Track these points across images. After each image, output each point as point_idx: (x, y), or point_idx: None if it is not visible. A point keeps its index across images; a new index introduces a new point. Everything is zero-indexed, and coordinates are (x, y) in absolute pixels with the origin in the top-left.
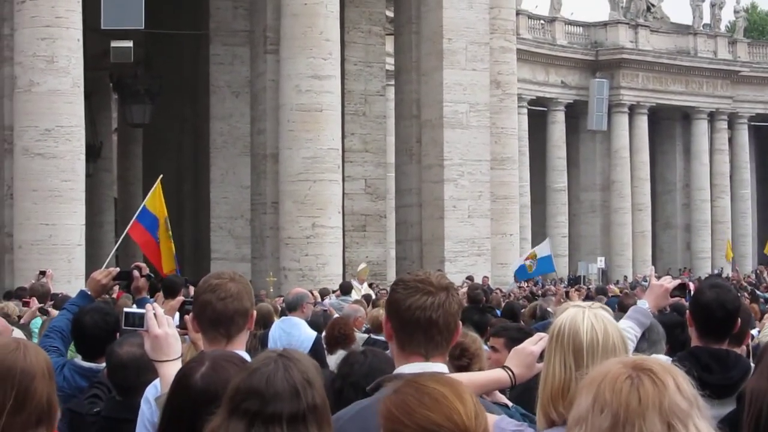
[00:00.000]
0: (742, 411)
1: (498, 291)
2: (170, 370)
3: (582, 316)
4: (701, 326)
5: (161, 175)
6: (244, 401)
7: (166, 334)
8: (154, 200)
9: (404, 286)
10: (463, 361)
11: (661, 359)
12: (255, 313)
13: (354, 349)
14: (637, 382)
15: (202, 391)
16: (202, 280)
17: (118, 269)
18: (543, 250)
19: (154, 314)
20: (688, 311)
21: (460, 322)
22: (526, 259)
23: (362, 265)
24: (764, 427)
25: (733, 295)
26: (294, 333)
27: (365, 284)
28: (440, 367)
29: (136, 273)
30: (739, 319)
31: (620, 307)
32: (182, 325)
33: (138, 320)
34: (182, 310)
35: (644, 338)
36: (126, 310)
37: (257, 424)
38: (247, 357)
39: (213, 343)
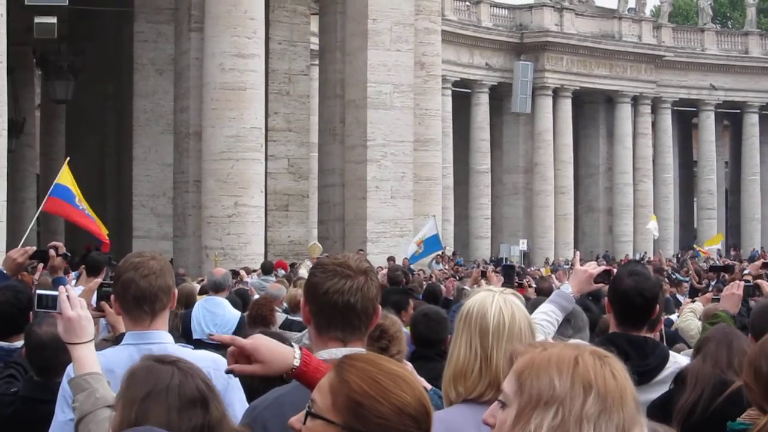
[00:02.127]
0: (676, 393)
1: (420, 273)
2: (83, 352)
3: (491, 300)
4: (619, 313)
5: (68, 158)
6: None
7: (78, 316)
8: (66, 178)
9: (322, 270)
10: (382, 342)
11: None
12: (176, 291)
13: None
14: (613, 369)
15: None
16: (122, 261)
17: (34, 248)
18: (429, 229)
19: (67, 296)
20: (606, 298)
21: (380, 306)
22: (418, 243)
23: (312, 243)
24: (702, 409)
25: (652, 283)
26: (218, 312)
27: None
28: (359, 351)
29: (52, 252)
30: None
31: (537, 291)
32: (98, 308)
33: (51, 302)
34: (100, 292)
35: (569, 324)
36: (39, 291)
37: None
38: (170, 337)
39: (137, 323)
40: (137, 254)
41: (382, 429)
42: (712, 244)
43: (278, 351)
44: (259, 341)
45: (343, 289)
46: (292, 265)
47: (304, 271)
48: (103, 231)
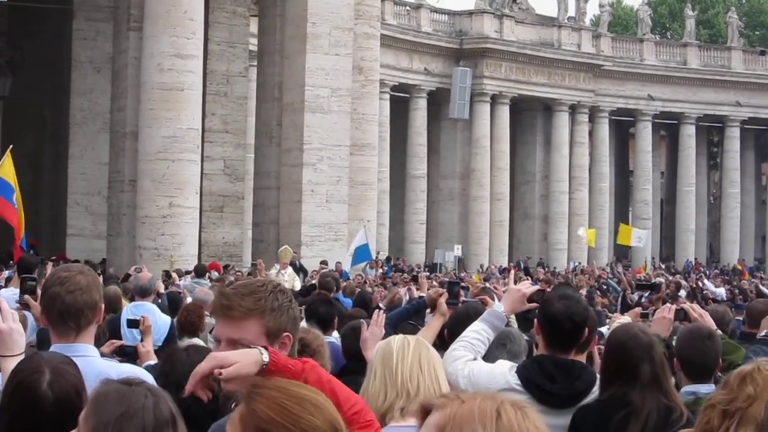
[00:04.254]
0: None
1: (359, 277)
2: (13, 365)
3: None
4: (548, 336)
5: (11, 146)
6: None
7: (10, 329)
8: (6, 169)
9: (291, 298)
10: (304, 356)
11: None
12: (103, 306)
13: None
14: (529, 416)
15: (55, 401)
16: (50, 273)
17: None
18: (359, 239)
19: (0, 308)
20: (536, 320)
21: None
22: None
23: (282, 248)
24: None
25: (582, 307)
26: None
27: (289, 269)
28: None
29: None
30: (587, 329)
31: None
32: (22, 302)
33: None
34: (24, 286)
35: (504, 348)
36: None
37: None
38: (95, 351)
39: (62, 337)
40: (65, 268)
41: None
42: (625, 241)
43: (243, 352)
44: (216, 356)
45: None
46: (226, 267)
47: (273, 273)
48: (19, 236)
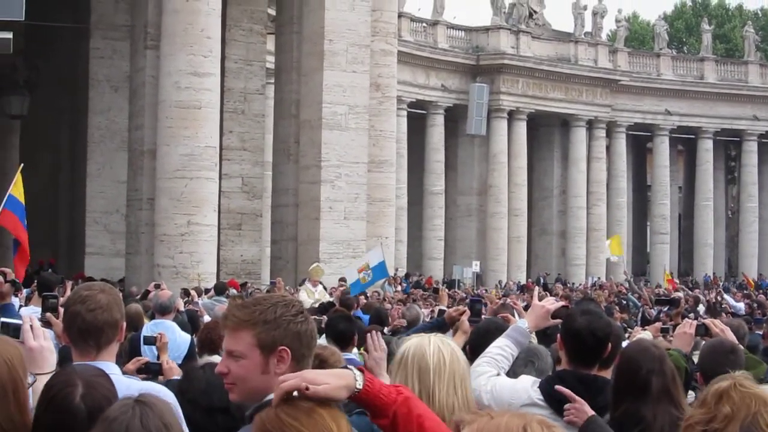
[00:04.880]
0: None
1: (375, 294)
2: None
3: (428, 341)
4: (571, 351)
5: (21, 165)
6: None
7: (41, 347)
8: (18, 188)
9: (304, 315)
10: None
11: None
12: (125, 324)
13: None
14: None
15: (88, 413)
16: (72, 291)
17: None
18: (375, 257)
19: (31, 326)
20: (559, 335)
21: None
22: (360, 270)
23: (314, 265)
24: None
25: (605, 322)
26: (169, 337)
27: (320, 286)
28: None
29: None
30: (610, 344)
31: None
32: (43, 320)
33: (13, 331)
34: (46, 304)
35: (532, 366)
36: (2, 320)
37: None
38: (116, 369)
39: (83, 355)
40: (87, 286)
41: None
42: (614, 253)
43: (337, 373)
44: (306, 375)
45: (315, 331)
46: (244, 285)
47: (304, 295)
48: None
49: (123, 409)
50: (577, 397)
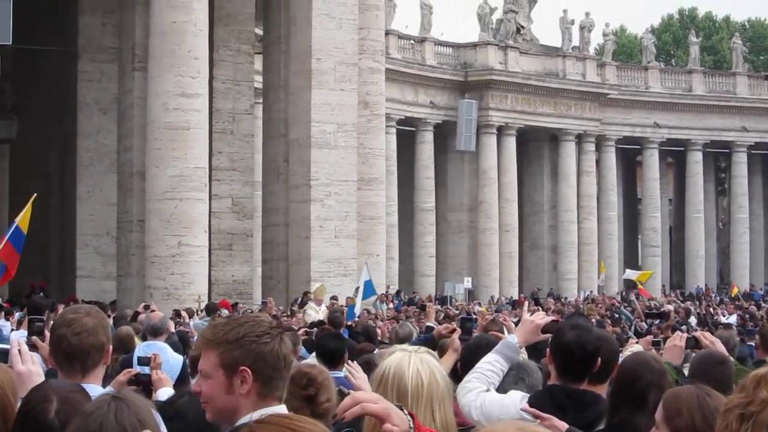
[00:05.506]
0: None
1: (365, 313)
2: None
3: (408, 361)
4: (560, 365)
5: (35, 194)
6: None
7: (29, 371)
8: (26, 219)
9: (270, 336)
10: (310, 390)
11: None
12: (111, 348)
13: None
14: None
15: (62, 428)
16: (59, 314)
17: None
18: (362, 276)
19: (19, 350)
20: (548, 349)
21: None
22: (348, 303)
23: (317, 285)
24: None
25: (594, 336)
26: (162, 358)
27: (323, 306)
28: (283, 408)
29: None
30: (600, 359)
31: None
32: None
33: (2, 356)
34: (31, 327)
35: (523, 383)
36: None
37: None
38: (101, 390)
39: (69, 378)
40: (73, 310)
41: None
42: (642, 279)
43: (399, 414)
44: (387, 406)
45: (287, 351)
46: (235, 305)
47: (312, 313)
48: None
49: (99, 405)
50: (545, 415)
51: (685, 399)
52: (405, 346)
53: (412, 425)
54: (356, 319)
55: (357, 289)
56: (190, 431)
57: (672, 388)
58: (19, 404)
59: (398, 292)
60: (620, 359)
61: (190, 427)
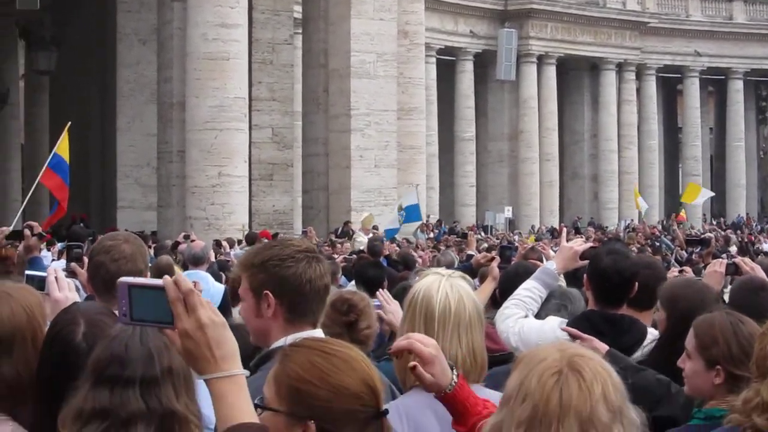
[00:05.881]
0: None
1: (404, 242)
2: None
3: (437, 285)
4: (597, 291)
5: (69, 123)
6: (106, 369)
7: (66, 298)
8: (64, 146)
9: (294, 260)
10: (350, 316)
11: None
12: (149, 275)
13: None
14: (563, 381)
15: (90, 351)
16: (97, 241)
17: (10, 228)
18: (410, 199)
19: (55, 278)
20: (585, 275)
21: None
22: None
23: (365, 214)
24: None
25: (631, 262)
26: (203, 287)
27: (370, 235)
28: (319, 332)
29: (27, 232)
30: (636, 284)
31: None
32: (68, 269)
33: (39, 283)
34: (70, 254)
35: (565, 310)
36: (27, 272)
37: (117, 388)
38: None
39: (106, 305)
40: (111, 236)
41: (326, 411)
42: (690, 199)
43: (445, 368)
44: (438, 354)
45: (321, 274)
46: (275, 235)
47: (363, 239)
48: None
49: (124, 328)
50: (586, 336)
51: (719, 326)
52: (439, 269)
53: (454, 382)
54: (395, 237)
55: (400, 206)
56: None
57: (702, 316)
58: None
59: (439, 222)
60: None
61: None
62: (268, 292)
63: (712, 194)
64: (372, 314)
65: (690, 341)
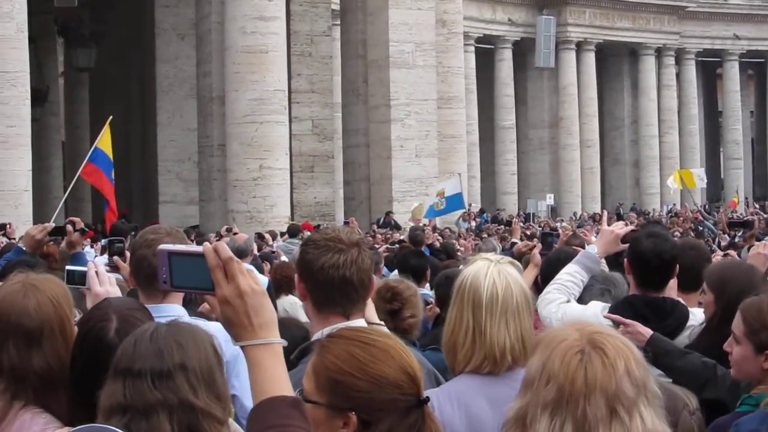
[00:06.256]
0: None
1: (447, 231)
2: None
3: (485, 272)
4: (638, 275)
5: (110, 117)
6: (119, 362)
7: (107, 292)
8: (105, 141)
9: (315, 246)
10: (394, 304)
11: (597, 307)
12: None
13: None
14: (587, 359)
15: None
16: (138, 235)
17: (53, 224)
18: (452, 187)
19: (96, 272)
20: (625, 260)
21: (374, 276)
22: (437, 195)
23: (415, 204)
24: None
25: (671, 244)
26: None
27: (420, 225)
28: (361, 322)
29: (69, 227)
30: (678, 267)
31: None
32: (111, 264)
33: (79, 278)
34: (112, 248)
35: (609, 294)
36: (68, 267)
37: (128, 380)
38: (183, 310)
39: (150, 298)
40: (153, 230)
41: (366, 401)
42: (692, 184)
43: None
44: None
45: (338, 264)
46: (318, 227)
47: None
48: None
49: (147, 326)
50: (628, 321)
51: None
52: (488, 255)
53: None
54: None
55: (442, 192)
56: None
57: (749, 299)
58: (76, 317)
59: (482, 210)
60: None
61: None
62: (297, 275)
63: (703, 173)
64: (418, 304)
65: (737, 325)
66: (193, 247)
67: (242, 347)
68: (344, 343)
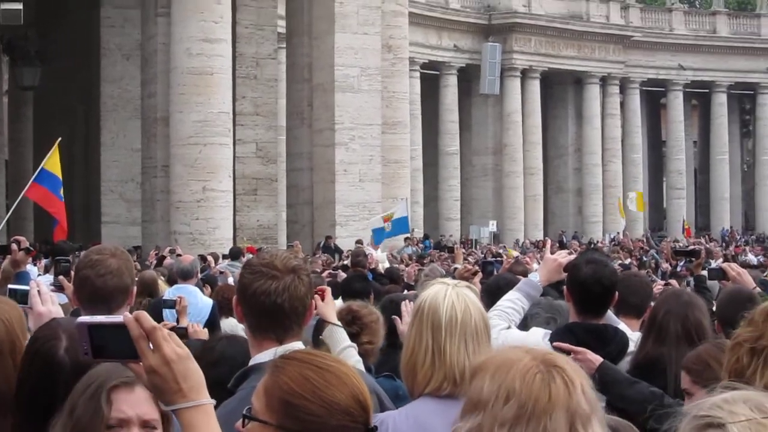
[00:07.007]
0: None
1: (389, 256)
2: None
3: (444, 294)
4: (579, 302)
5: (59, 138)
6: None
7: (49, 311)
8: (53, 161)
9: (251, 271)
10: (353, 328)
11: (539, 334)
12: (135, 289)
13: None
14: (549, 378)
15: (72, 366)
16: (83, 254)
17: None
18: (400, 211)
19: (39, 291)
20: (565, 287)
21: (312, 302)
22: (386, 220)
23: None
24: None
25: (610, 270)
26: (191, 301)
27: (379, 250)
28: (298, 345)
29: (14, 246)
30: (617, 293)
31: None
32: (56, 283)
33: (21, 297)
34: (58, 267)
35: (555, 322)
36: (10, 286)
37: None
38: None
39: None
40: (97, 250)
41: (316, 426)
42: (639, 209)
43: None
44: None
45: (269, 291)
46: (260, 250)
47: (382, 255)
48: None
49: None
50: (578, 348)
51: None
52: (446, 279)
53: None
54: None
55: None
56: (235, 373)
57: (688, 354)
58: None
59: (426, 236)
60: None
61: (237, 368)
62: (234, 297)
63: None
64: (378, 331)
65: (684, 381)
66: (114, 318)
67: (174, 411)
68: (298, 365)
